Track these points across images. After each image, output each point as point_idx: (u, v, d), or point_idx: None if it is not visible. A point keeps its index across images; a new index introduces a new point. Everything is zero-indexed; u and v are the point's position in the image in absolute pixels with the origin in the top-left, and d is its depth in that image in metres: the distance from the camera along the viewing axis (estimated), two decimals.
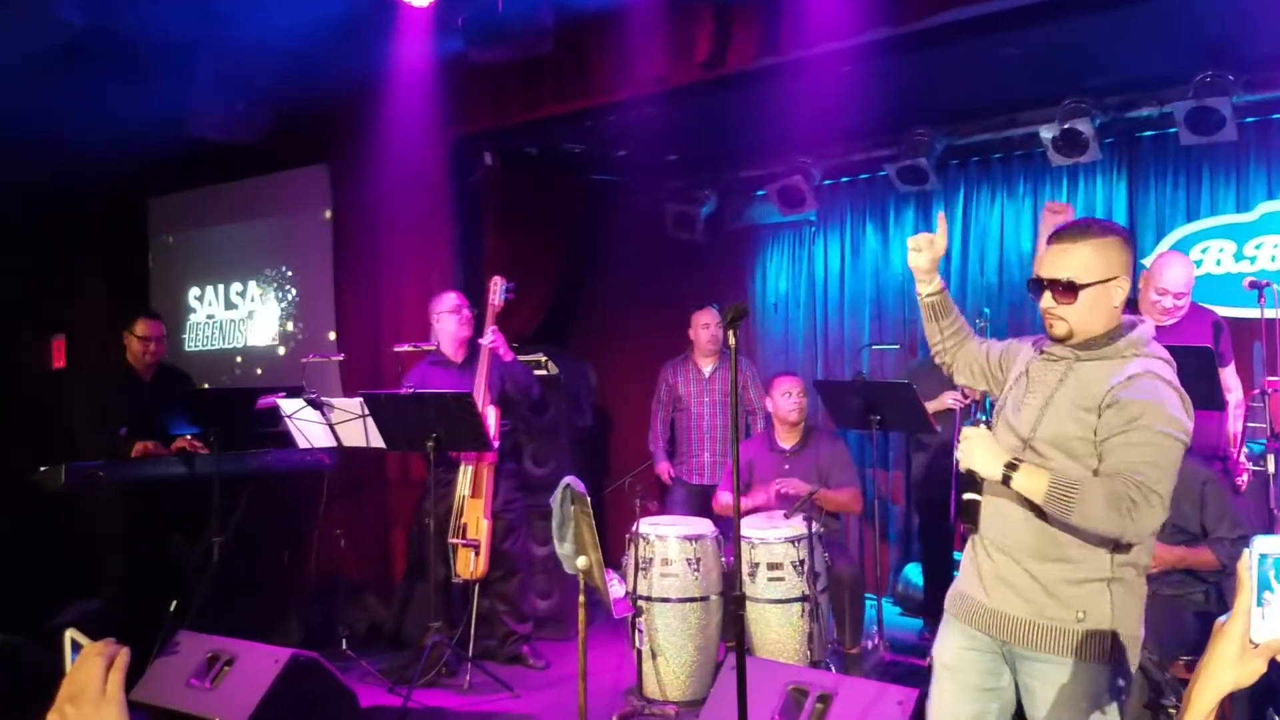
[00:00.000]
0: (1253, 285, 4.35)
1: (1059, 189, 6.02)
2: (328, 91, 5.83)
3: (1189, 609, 3.62)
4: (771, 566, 4.56)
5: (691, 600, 4.59)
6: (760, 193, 6.98)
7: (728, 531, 4.73)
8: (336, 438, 4.87)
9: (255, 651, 4.05)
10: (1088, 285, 2.33)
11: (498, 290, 4.88)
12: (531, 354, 5.78)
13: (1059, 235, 2.41)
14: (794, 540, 4.56)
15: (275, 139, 6.10)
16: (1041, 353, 2.49)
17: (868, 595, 5.21)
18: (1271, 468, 4.04)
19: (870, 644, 5.09)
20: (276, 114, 5.98)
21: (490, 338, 4.79)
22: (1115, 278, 2.35)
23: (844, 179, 6.81)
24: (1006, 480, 2.27)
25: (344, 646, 5.16)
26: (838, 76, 4.85)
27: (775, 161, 6.53)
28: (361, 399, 4.70)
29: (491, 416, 4.73)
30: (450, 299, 5.07)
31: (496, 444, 4.73)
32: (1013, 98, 5.65)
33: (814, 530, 4.55)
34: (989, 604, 2.44)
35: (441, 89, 5.70)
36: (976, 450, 2.32)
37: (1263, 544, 1.36)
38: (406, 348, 5.10)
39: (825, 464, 5.03)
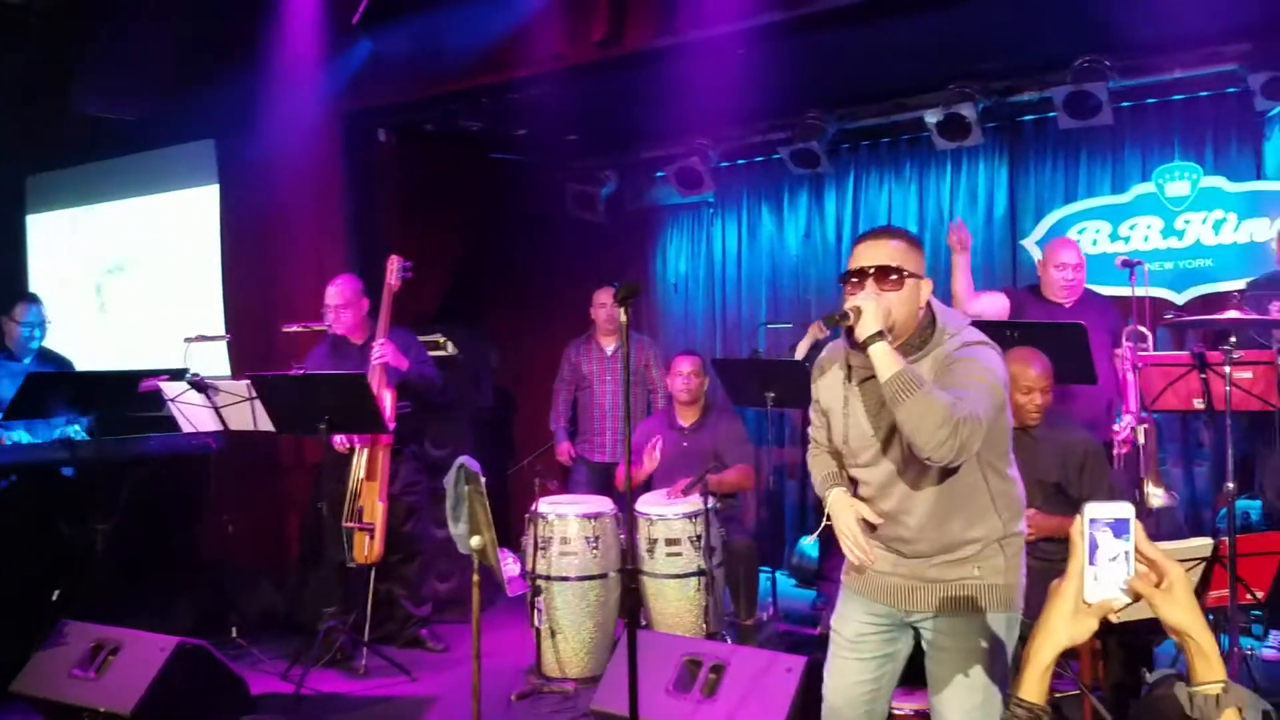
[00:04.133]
0: (1125, 264, 4.55)
1: (943, 173, 6.20)
2: (215, 64, 5.65)
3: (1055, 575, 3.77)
4: (669, 542, 4.62)
5: (590, 578, 4.62)
6: (660, 174, 7.02)
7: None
8: (223, 421, 4.75)
9: (141, 640, 3.97)
10: (911, 275, 2.41)
11: (395, 270, 4.81)
12: (430, 335, 5.71)
13: (871, 232, 2.51)
14: (691, 516, 4.62)
15: (161, 113, 5.89)
16: (853, 373, 2.50)
17: (763, 568, 5.32)
18: (1142, 439, 4.25)
19: (765, 615, 5.21)
20: (163, 88, 5.78)
21: (378, 352, 4.69)
22: (923, 276, 2.45)
23: (740, 161, 6.89)
24: (875, 338, 2.29)
25: (234, 634, 5.05)
26: (733, 59, 4.90)
27: (674, 143, 6.57)
28: (249, 381, 4.59)
29: (388, 399, 4.67)
30: (330, 295, 4.91)
31: (393, 426, 4.67)
32: (900, 83, 5.78)
33: (710, 506, 4.62)
34: (893, 580, 2.55)
35: (333, 62, 5.58)
36: (869, 308, 2.32)
37: (1093, 509, 1.44)
38: (296, 328, 4.99)
39: (721, 442, 5.10)
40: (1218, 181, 5.30)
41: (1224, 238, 5.27)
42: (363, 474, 4.75)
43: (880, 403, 2.39)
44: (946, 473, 2.40)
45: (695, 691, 3.69)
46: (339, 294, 4.90)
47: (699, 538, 4.60)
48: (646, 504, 4.74)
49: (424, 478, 5.08)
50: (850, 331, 2.38)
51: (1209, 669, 1.43)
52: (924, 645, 2.57)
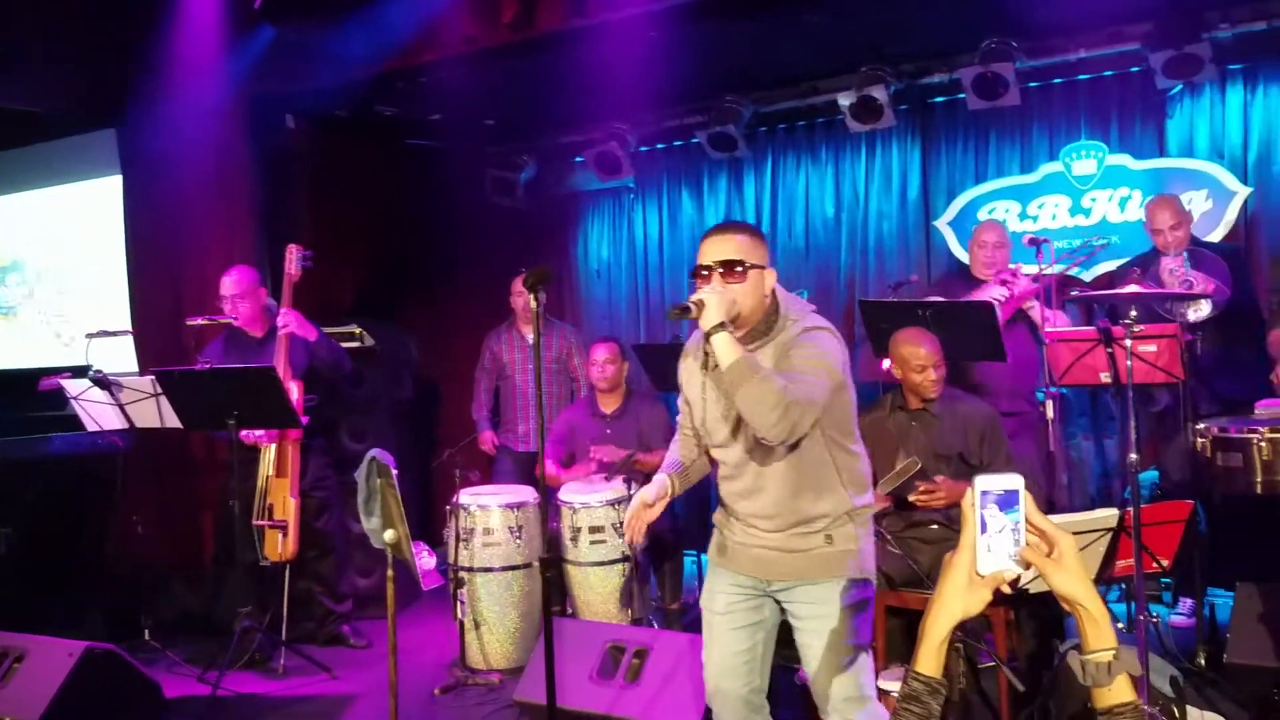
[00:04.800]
0: (1031, 242, 4.64)
1: (858, 155, 6.26)
2: (115, 51, 5.46)
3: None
4: (593, 530, 4.61)
5: (514, 568, 4.58)
6: (579, 159, 6.97)
7: (549, 497, 4.76)
8: (128, 419, 4.60)
9: (48, 646, 3.86)
10: (754, 266, 2.54)
11: (294, 259, 4.71)
12: (345, 325, 5.60)
13: (716, 228, 2.63)
14: (614, 503, 4.62)
15: (59, 102, 5.67)
16: (707, 360, 2.61)
17: (687, 552, 5.34)
18: (1051, 413, 4.34)
19: (691, 598, 5.22)
20: (61, 76, 5.57)
21: (283, 321, 4.61)
22: (766, 267, 2.58)
23: (659, 145, 6.89)
24: (718, 328, 2.39)
25: (147, 637, 4.92)
26: (646, 42, 4.88)
27: (592, 128, 6.55)
28: (153, 377, 4.45)
29: (294, 391, 4.57)
30: (225, 285, 4.79)
31: (305, 420, 4.58)
32: (815, 66, 5.82)
33: (634, 492, 4.60)
34: (753, 550, 2.66)
35: (236, 48, 5.42)
36: (712, 301, 2.42)
37: (984, 482, 1.45)
38: (200, 321, 4.84)
39: (645, 428, 5.09)
40: (1123, 159, 5.43)
41: (1129, 215, 5.40)
42: (271, 470, 4.65)
43: None
44: (794, 450, 2.54)
45: (619, 678, 3.70)
46: (234, 284, 4.78)
47: (622, 524, 4.57)
48: (569, 493, 4.72)
49: (333, 472, 4.97)
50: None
51: (1100, 636, 1.45)
52: (788, 618, 2.68)
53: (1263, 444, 3.12)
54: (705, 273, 2.54)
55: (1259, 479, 3.15)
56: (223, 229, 5.77)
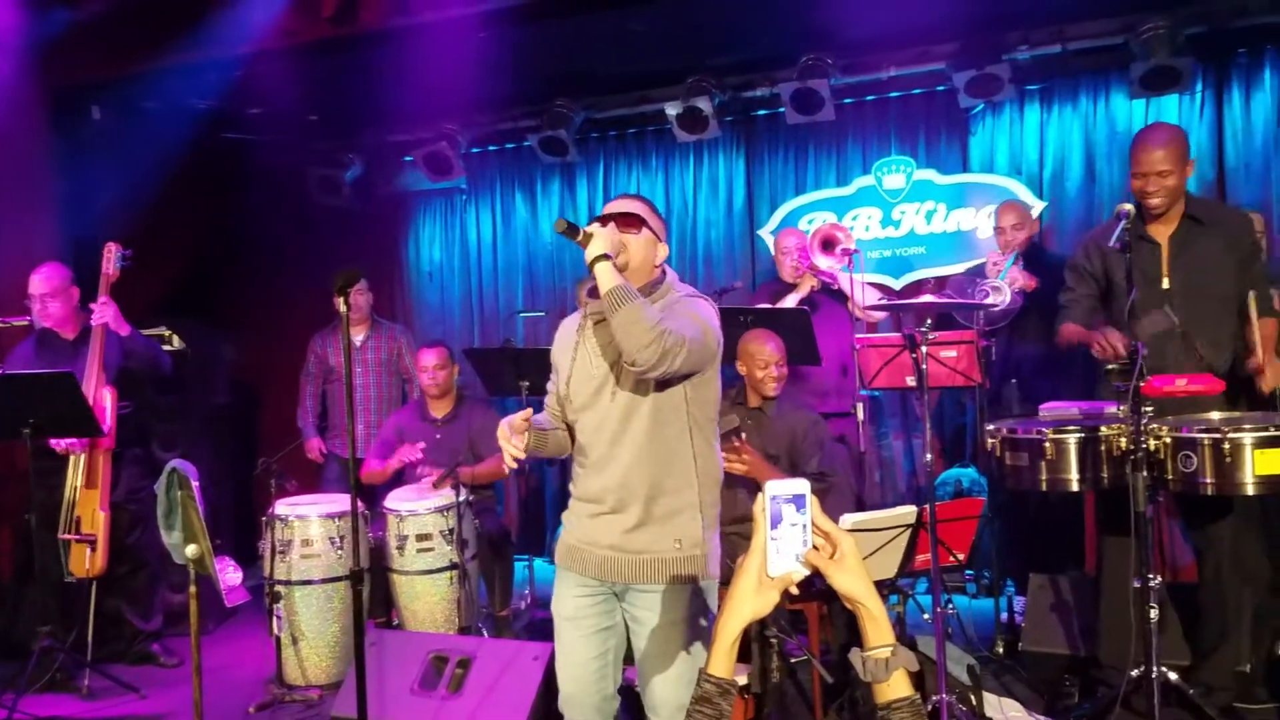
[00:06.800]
0: (844, 253, 4.85)
1: (686, 164, 6.42)
2: None
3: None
4: (420, 538, 4.52)
5: (336, 580, 4.45)
6: (408, 158, 6.86)
7: (374, 505, 4.66)
8: None
9: None
10: (650, 230, 2.61)
11: (112, 258, 4.48)
12: (154, 328, 5.33)
13: (621, 195, 2.71)
14: (443, 510, 4.54)
15: None
16: (588, 319, 2.64)
17: (519, 557, 5.32)
18: (860, 415, 4.55)
19: (523, 604, 5.21)
20: None
21: (99, 313, 4.38)
22: (662, 240, 2.66)
23: (491, 148, 6.86)
24: (601, 258, 2.44)
25: None
26: (475, 43, 4.85)
27: (421, 127, 6.45)
28: None
29: (108, 398, 4.33)
30: (34, 284, 4.53)
31: (110, 427, 4.34)
32: (645, 74, 5.92)
33: (464, 498, 4.56)
34: (598, 552, 2.60)
35: (33, 31, 5.08)
36: (601, 233, 2.48)
37: (774, 487, 1.51)
38: None
39: (476, 433, 5.04)
40: (929, 174, 5.75)
41: (935, 227, 5.73)
42: (80, 481, 4.39)
43: (607, 341, 2.55)
44: (656, 420, 2.53)
45: (441, 689, 3.67)
46: (44, 282, 4.51)
47: (451, 531, 4.52)
48: (396, 500, 4.62)
49: (149, 483, 4.72)
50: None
51: (879, 634, 1.53)
52: (627, 619, 2.64)
53: (1046, 445, 3.34)
54: (601, 224, 2.56)
55: (1044, 477, 3.38)
56: (22, 226, 5.38)
